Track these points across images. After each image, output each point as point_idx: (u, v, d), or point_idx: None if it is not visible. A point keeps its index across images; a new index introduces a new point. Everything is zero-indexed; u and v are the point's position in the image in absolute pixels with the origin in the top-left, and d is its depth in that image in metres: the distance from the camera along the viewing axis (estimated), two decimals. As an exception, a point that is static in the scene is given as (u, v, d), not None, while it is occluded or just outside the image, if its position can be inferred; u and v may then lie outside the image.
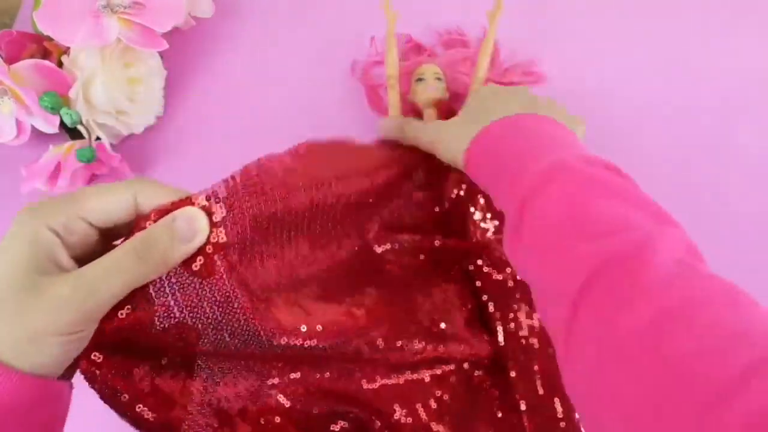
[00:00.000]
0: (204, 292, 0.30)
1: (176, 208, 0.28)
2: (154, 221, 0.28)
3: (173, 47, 0.52)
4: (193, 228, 0.28)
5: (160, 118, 0.55)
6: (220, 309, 0.31)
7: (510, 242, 0.32)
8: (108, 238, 0.29)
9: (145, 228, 0.28)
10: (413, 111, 0.51)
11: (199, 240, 0.29)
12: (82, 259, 0.27)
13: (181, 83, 0.57)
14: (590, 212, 0.28)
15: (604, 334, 0.24)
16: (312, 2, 0.61)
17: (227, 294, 0.30)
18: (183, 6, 0.53)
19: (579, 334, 0.25)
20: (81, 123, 0.49)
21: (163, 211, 0.28)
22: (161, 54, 0.54)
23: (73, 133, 0.50)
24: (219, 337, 0.31)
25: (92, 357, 0.28)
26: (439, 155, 0.40)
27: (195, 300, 0.29)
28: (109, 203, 0.28)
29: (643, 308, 0.23)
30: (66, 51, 0.51)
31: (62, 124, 0.49)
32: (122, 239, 0.28)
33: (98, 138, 0.50)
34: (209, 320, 0.30)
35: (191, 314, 0.30)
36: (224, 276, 0.30)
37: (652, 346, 0.22)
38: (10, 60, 0.48)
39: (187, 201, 0.29)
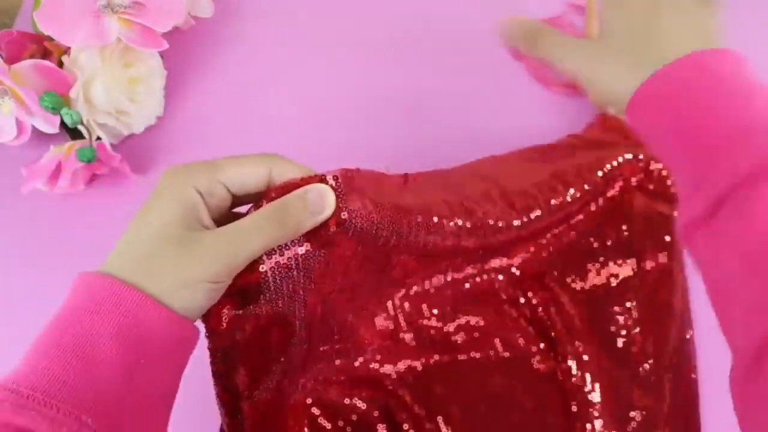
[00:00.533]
0: (318, 259, 0.33)
1: (306, 183, 0.31)
2: (283, 193, 0.30)
3: (173, 47, 0.52)
4: (323, 201, 0.31)
5: (161, 118, 0.55)
6: (329, 277, 0.34)
7: (690, 222, 0.28)
8: (237, 205, 0.32)
9: (273, 198, 0.30)
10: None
11: (327, 213, 0.31)
12: (216, 221, 0.30)
13: (181, 83, 0.57)
14: None
15: None
16: (312, 2, 0.61)
17: (335, 265, 0.34)
18: (183, 6, 0.53)
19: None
20: (81, 123, 0.49)
21: (292, 185, 0.31)
22: (161, 54, 0.54)
23: (73, 133, 0.50)
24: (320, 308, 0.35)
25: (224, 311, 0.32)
26: (588, 89, 0.34)
27: (312, 263, 0.33)
28: (248, 173, 0.30)
29: None
30: (66, 51, 0.51)
31: (63, 124, 0.49)
32: (249, 207, 0.31)
33: (99, 138, 0.50)
34: (316, 287, 0.34)
35: (305, 275, 0.33)
36: (340, 249, 0.33)
37: None
38: (11, 60, 0.48)
39: (317, 178, 0.31)
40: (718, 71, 0.29)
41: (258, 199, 0.31)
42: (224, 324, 0.32)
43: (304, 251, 0.32)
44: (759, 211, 0.24)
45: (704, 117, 0.28)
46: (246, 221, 0.30)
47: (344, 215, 0.32)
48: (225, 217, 0.31)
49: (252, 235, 0.29)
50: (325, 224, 0.31)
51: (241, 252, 0.29)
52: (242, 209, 0.32)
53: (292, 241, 0.32)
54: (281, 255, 0.32)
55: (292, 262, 0.32)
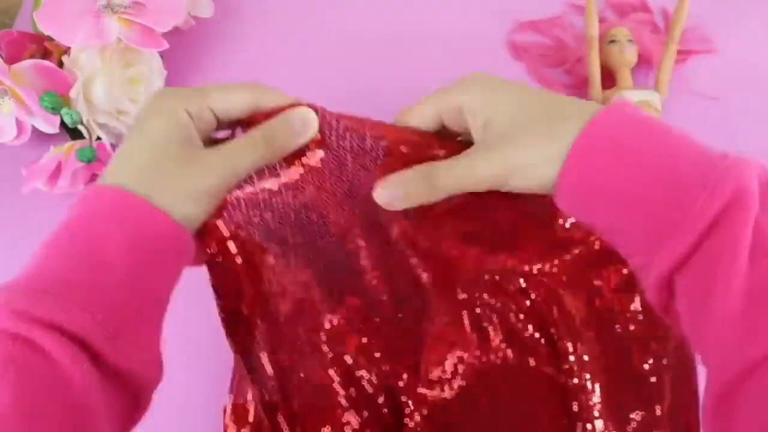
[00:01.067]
0: (297, 187, 0.34)
1: (290, 108, 0.33)
2: (269, 118, 0.32)
3: (173, 47, 0.52)
4: (306, 123, 0.33)
5: (161, 118, 0.55)
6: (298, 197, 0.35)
7: (667, 270, 0.27)
8: (219, 130, 0.34)
9: (260, 121, 0.32)
10: (604, 73, 0.54)
11: (310, 135, 0.33)
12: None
13: (181, 83, 0.57)
14: None
15: None
16: (312, 2, 0.61)
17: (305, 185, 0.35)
18: (183, 6, 0.53)
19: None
20: (81, 123, 0.49)
21: (278, 110, 0.33)
22: (161, 54, 0.54)
23: (73, 133, 0.50)
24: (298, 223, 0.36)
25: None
26: (510, 188, 0.31)
27: (295, 181, 0.34)
28: (235, 99, 0.32)
29: None
30: (66, 51, 0.51)
31: (63, 124, 0.49)
32: (229, 131, 0.34)
33: (99, 138, 0.50)
34: (293, 205, 0.35)
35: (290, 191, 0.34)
36: (313, 171, 0.35)
37: None
38: (11, 60, 0.49)
39: (300, 104, 0.33)
40: (623, 136, 0.28)
41: (243, 123, 0.33)
42: (216, 245, 0.33)
43: (285, 181, 0.34)
44: (743, 240, 0.24)
45: (643, 170, 0.27)
46: (239, 141, 0.32)
47: (318, 137, 0.33)
48: (207, 141, 0.33)
49: (245, 153, 0.31)
50: (308, 146, 0.33)
51: (235, 168, 0.31)
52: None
53: (273, 170, 0.33)
54: (261, 180, 0.33)
55: (273, 189, 0.34)
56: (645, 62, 0.55)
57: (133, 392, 0.28)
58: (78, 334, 0.25)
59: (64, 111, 0.48)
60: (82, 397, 0.25)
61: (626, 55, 0.52)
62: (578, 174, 0.28)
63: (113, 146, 0.51)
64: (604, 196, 0.28)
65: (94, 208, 0.29)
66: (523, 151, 0.29)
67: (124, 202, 0.28)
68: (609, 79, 0.54)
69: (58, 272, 0.27)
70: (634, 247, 0.29)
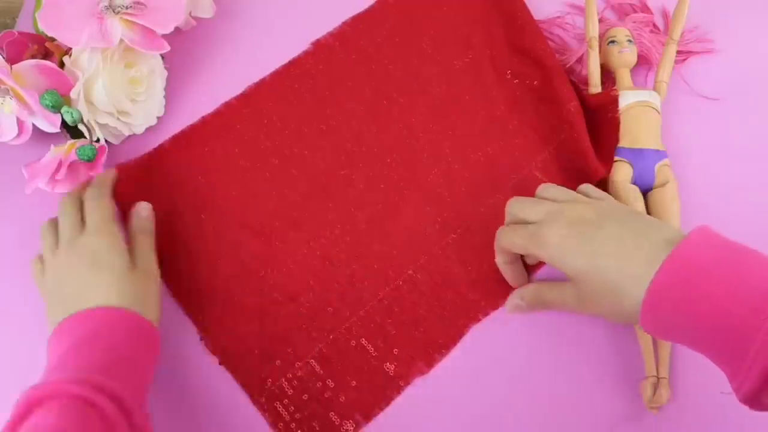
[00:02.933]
0: None
1: None
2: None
3: (174, 47, 0.52)
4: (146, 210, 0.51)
5: (161, 119, 0.56)
6: None
7: (751, 393, 0.31)
8: None
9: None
10: (604, 73, 0.55)
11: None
12: None
13: (182, 83, 0.57)
14: None
15: None
16: (313, 2, 0.61)
17: None
18: (184, 6, 0.53)
19: None
20: (82, 121, 0.49)
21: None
22: (162, 54, 0.54)
23: (74, 132, 0.51)
24: None
25: None
26: (599, 316, 0.42)
27: None
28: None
29: None
30: (67, 51, 0.51)
31: (63, 124, 0.49)
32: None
33: (98, 139, 0.50)
34: None
35: None
36: None
37: None
38: (12, 60, 0.49)
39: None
40: (695, 260, 0.34)
41: None
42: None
43: None
44: None
45: (705, 307, 0.32)
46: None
47: None
48: None
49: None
50: None
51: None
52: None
53: None
54: None
55: None
56: (645, 62, 0.55)
57: None
58: (120, 398, 0.35)
59: (64, 109, 0.48)
60: None
61: (625, 56, 0.52)
62: (652, 325, 0.36)
63: (114, 146, 0.51)
64: (678, 335, 0.35)
65: (110, 323, 0.40)
66: (601, 311, 0.39)
67: (135, 319, 0.41)
68: (609, 79, 0.54)
69: (96, 362, 0.37)
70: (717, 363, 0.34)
